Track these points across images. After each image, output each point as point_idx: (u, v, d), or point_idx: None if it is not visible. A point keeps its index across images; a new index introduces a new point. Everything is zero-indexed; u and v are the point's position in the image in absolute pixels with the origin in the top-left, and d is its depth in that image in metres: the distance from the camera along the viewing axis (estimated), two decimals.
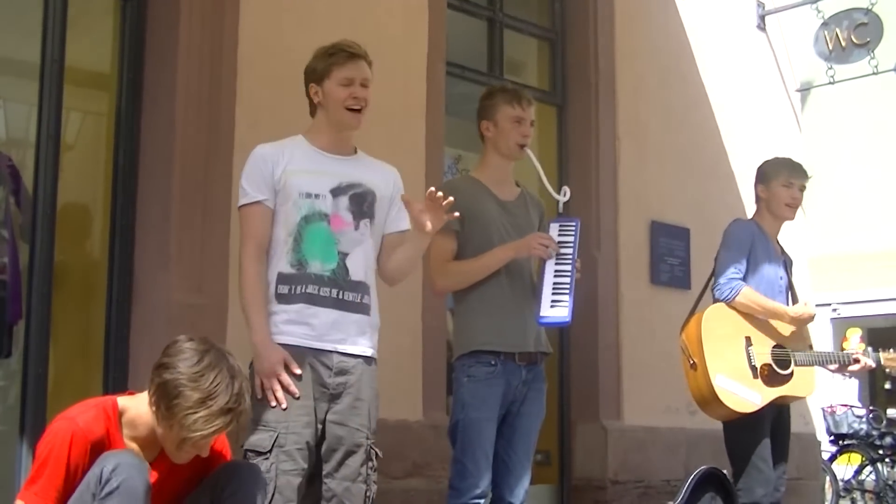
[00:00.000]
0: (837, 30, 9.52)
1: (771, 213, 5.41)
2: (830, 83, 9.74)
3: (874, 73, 9.45)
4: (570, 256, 4.33)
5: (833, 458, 11.35)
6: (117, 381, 5.13)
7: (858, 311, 15.71)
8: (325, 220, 3.83)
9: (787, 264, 5.49)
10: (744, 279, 5.23)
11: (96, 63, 5.75)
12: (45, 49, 5.19)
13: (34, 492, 3.11)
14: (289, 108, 5.64)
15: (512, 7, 7.74)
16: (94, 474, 3.09)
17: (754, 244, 5.29)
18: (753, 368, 5.15)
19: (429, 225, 3.85)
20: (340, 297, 3.81)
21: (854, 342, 13.83)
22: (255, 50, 5.68)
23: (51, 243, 5.14)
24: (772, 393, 5.14)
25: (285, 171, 3.85)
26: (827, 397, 11.59)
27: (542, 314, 4.26)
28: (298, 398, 3.69)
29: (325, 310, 3.79)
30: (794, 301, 5.43)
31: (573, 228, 4.44)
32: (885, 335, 16.24)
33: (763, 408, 5.12)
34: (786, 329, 5.29)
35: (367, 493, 3.79)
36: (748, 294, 5.19)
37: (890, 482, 10.84)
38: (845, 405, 11.94)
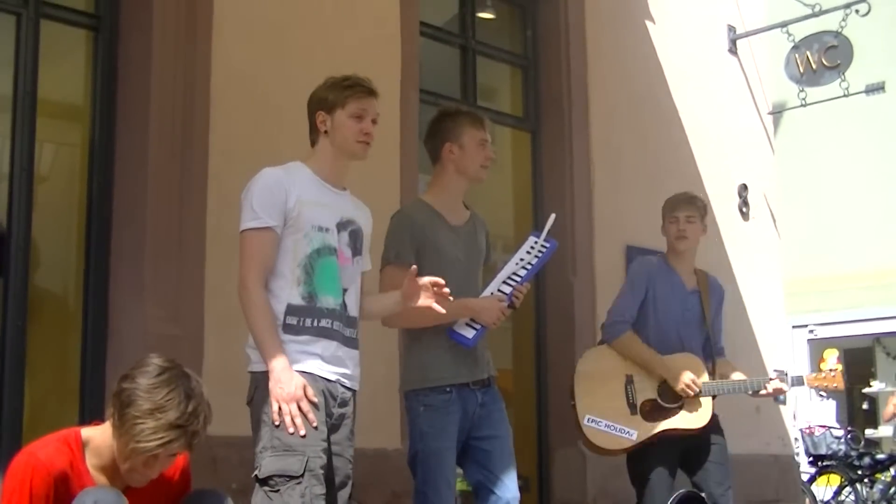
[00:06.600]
0: (808, 53, 9.57)
1: (671, 248, 5.48)
2: (802, 105, 9.78)
3: (845, 96, 9.51)
4: (520, 279, 4.37)
5: (812, 479, 11.37)
6: (93, 414, 5.06)
7: (835, 332, 15.76)
8: (333, 255, 3.81)
9: (707, 295, 5.45)
10: (638, 319, 5.30)
11: (69, 94, 5.74)
12: (18, 81, 5.19)
13: None
14: (262, 138, 5.65)
15: (484, 34, 7.78)
16: None
17: (654, 281, 5.35)
18: (632, 406, 5.21)
19: (416, 300, 3.90)
20: (344, 332, 3.82)
21: (831, 363, 13.89)
22: (227, 80, 5.68)
23: (25, 276, 5.12)
24: (651, 427, 5.19)
25: (299, 200, 3.76)
26: (805, 419, 11.62)
27: (454, 327, 4.25)
28: (316, 427, 3.63)
29: (334, 343, 3.77)
30: (711, 333, 5.40)
31: (546, 251, 4.45)
32: (862, 355, 16.33)
33: (650, 441, 5.17)
34: (685, 362, 5.26)
35: None
36: (625, 341, 5.28)
37: (869, 502, 10.86)
38: (823, 426, 11.97)
